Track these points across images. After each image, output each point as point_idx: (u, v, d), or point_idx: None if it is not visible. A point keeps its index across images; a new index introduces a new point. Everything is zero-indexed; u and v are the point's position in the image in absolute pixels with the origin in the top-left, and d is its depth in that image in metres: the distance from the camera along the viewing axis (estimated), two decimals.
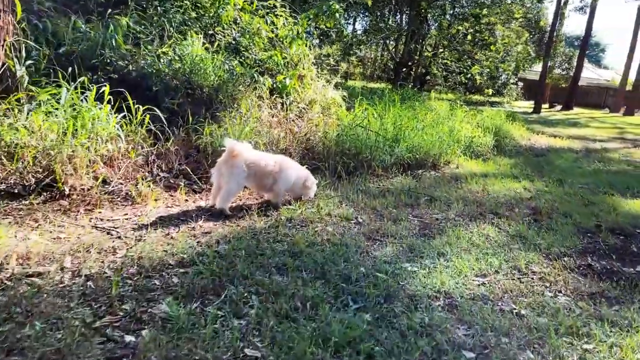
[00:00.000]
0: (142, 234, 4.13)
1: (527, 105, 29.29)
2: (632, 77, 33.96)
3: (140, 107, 5.97)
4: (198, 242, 4.08)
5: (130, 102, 6.00)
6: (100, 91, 5.69)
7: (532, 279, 3.84)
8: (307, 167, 6.06)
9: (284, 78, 9.36)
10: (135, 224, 4.35)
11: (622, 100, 34.39)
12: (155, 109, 6.10)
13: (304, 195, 5.52)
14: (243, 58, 9.75)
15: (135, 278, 3.27)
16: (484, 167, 9.17)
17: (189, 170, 5.78)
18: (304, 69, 10.14)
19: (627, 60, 34.10)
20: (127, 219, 4.48)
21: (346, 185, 6.40)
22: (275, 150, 6.81)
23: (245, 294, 3.14)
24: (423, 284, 3.54)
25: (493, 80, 23.99)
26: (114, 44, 7.21)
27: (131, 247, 3.79)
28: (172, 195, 5.29)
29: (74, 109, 5.30)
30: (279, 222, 4.67)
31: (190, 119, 6.44)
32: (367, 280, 3.51)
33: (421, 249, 4.26)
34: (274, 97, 9.09)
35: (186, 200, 5.21)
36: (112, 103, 5.84)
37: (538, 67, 36.08)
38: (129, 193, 5.00)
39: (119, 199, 4.94)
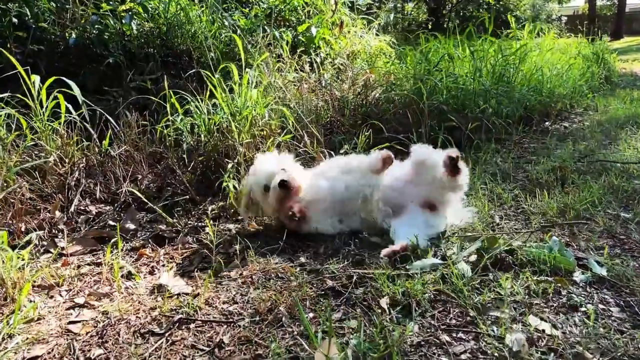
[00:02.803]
0: None
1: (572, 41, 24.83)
2: None
3: (38, 81, 2.76)
4: None
5: (28, 78, 2.81)
6: None
7: None
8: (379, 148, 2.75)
9: (309, 27, 6.00)
10: None
11: None
12: (68, 83, 2.89)
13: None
14: (248, 8, 6.37)
15: None
16: (631, 106, 5.61)
17: (138, 191, 2.55)
18: (334, 13, 6.73)
19: None
20: None
21: (470, 174, 3.02)
22: (312, 126, 3.51)
23: None
24: None
25: (537, 15, 19.85)
26: None
27: None
28: (96, 264, 2.07)
29: None
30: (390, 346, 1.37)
31: (174, 100, 3.10)
32: None
33: None
34: (298, 55, 5.68)
35: (128, 274, 1.97)
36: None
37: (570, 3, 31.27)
38: None
39: None
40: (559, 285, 1.59)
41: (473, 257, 1.82)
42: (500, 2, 15.55)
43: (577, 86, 5.80)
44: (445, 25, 16.23)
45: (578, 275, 1.66)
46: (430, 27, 16.34)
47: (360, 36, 6.88)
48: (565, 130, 4.62)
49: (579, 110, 5.69)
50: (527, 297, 1.55)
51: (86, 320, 1.66)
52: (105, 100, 3.82)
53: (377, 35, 7.24)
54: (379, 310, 1.53)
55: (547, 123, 4.88)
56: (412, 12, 20.38)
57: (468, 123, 3.51)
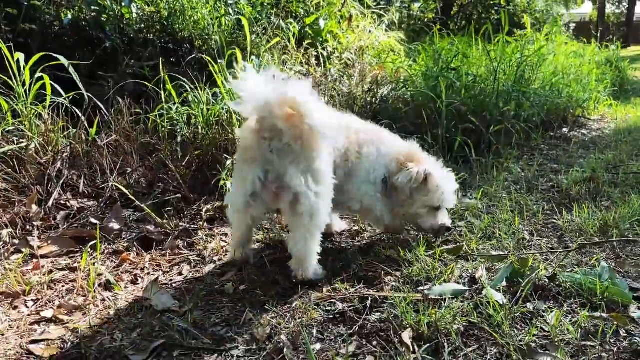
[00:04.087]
0: None
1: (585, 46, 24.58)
2: None
3: (22, 60, 2.49)
4: None
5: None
6: None
7: None
8: None
9: (317, 19, 5.74)
10: None
11: None
12: (58, 64, 2.62)
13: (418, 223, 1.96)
14: None
15: None
16: None
17: (126, 186, 2.29)
18: (343, 5, 6.45)
19: None
20: None
21: (491, 181, 2.79)
22: None
23: None
24: None
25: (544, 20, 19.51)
26: None
27: None
28: (71, 269, 1.80)
29: None
30: None
31: (169, 88, 2.78)
32: None
33: None
34: (304, 48, 5.40)
35: (107, 283, 1.70)
36: None
37: (577, 9, 30.91)
38: None
39: None
40: (616, 323, 1.33)
41: (504, 283, 1.56)
42: (511, 4, 15.24)
43: (595, 92, 5.55)
44: (453, 26, 15.85)
45: (635, 311, 1.40)
46: (438, 26, 16.03)
47: (370, 31, 6.60)
48: (585, 137, 4.37)
49: (596, 117, 5.44)
50: (579, 337, 1.28)
51: (52, 340, 1.40)
52: (99, 85, 3.55)
53: (386, 31, 6.97)
54: (402, 347, 1.27)
55: (564, 129, 4.62)
56: (420, 11, 20.01)
57: (488, 126, 3.25)
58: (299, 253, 1.60)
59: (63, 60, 2.54)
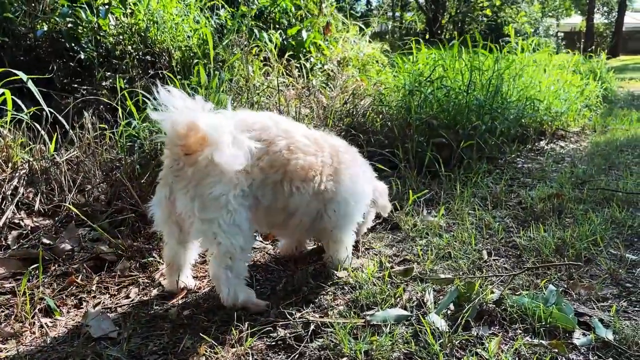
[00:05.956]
0: None
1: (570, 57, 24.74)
2: None
3: None
4: None
5: None
6: None
7: None
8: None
9: (299, 30, 5.77)
10: None
11: None
12: (31, 75, 2.58)
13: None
14: (236, 8, 6.08)
15: None
16: (631, 128, 5.38)
17: (85, 204, 2.25)
18: (326, 15, 6.48)
19: None
20: None
21: (457, 197, 2.76)
22: None
23: None
24: None
25: (536, 30, 19.69)
26: None
27: None
28: (14, 293, 1.76)
29: None
30: None
31: (129, 104, 2.77)
32: None
33: None
34: (286, 59, 5.40)
35: (49, 309, 1.66)
36: None
37: (567, 19, 31.30)
38: None
39: None
40: (556, 351, 1.30)
41: (451, 307, 1.53)
42: (498, 15, 15.43)
43: (575, 104, 5.57)
44: (442, 36, 15.99)
45: (579, 337, 1.38)
46: (427, 37, 16.12)
47: (354, 42, 6.62)
48: (562, 150, 4.37)
49: (576, 130, 5.46)
50: None
51: None
52: (67, 99, 3.51)
53: (370, 42, 6.98)
54: None
55: (542, 142, 4.63)
56: (410, 21, 20.18)
57: (459, 140, 3.24)
58: (214, 277, 1.61)
59: (22, 75, 2.51)
